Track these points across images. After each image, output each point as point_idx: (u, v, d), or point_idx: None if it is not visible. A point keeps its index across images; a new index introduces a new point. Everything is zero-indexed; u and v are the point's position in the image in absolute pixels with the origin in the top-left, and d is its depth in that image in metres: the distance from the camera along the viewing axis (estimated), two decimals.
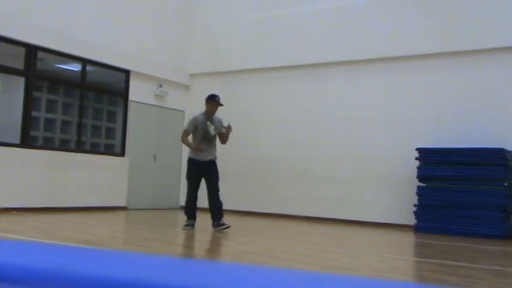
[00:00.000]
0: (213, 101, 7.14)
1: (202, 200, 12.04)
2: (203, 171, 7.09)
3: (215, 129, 7.12)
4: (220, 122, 7.24)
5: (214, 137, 7.16)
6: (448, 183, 8.68)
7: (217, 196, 7.08)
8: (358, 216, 9.82)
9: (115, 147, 11.51)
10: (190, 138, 7.17)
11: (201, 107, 12.01)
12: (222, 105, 7.14)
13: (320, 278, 0.87)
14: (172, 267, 0.96)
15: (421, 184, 8.96)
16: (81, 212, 9.11)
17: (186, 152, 12.17)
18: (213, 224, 7.04)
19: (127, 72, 10.83)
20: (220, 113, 11.72)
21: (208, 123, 7.07)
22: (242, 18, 11.56)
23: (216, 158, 7.20)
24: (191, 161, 7.15)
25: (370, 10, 10.13)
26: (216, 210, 7.05)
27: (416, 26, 9.61)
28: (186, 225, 7.04)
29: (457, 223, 8.43)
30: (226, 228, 6.91)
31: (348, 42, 10.27)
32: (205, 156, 7.06)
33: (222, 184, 11.47)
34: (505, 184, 8.35)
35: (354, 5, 10.32)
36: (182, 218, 10.20)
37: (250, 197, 10.98)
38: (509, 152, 8.49)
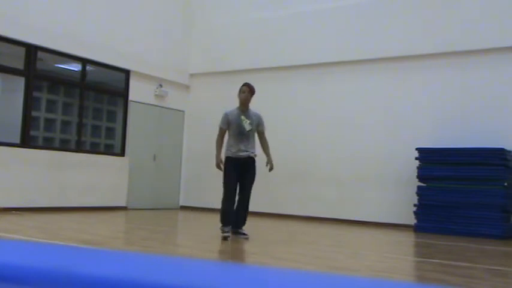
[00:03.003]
0: (245, 86, 6.38)
1: (197, 199, 11.98)
2: (241, 169, 6.33)
3: (251, 124, 6.34)
4: (259, 117, 6.48)
5: (250, 133, 6.37)
6: (448, 183, 8.68)
7: (248, 201, 6.41)
8: (358, 216, 9.82)
9: (115, 147, 11.51)
10: (225, 138, 6.47)
11: (201, 107, 12.10)
12: (252, 89, 6.36)
13: (321, 278, 0.87)
14: (172, 267, 0.95)
15: (421, 184, 8.96)
16: (81, 212, 9.11)
17: (186, 152, 12.24)
18: (237, 228, 6.40)
19: (127, 72, 10.84)
20: (219, 114, 11.74)
21: (243, 117, 6.33)
22: (242, 18, 11.57)
23: (255, 155, 6.41)
24: (228, 160, 6.36)
25: (370, 10, 10.13)
26: (241, 217, 6.38)
27: (417, 26, 9.62)
28: (224, 235, 6.20)
29: (457, 223, 8.43)
30: (245, 238, 6.23)
31: (348, 42, 10.27)
32: (242, 153, 6.31)
33: (221, 184, 11.52)
34: (505, 184, 8.35)
35: (354, 5, 10.32)
36: (182, 217, 10.24)
37: (250, 197, 10.95)
38: (509, 152, 8.49)
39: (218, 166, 6.42)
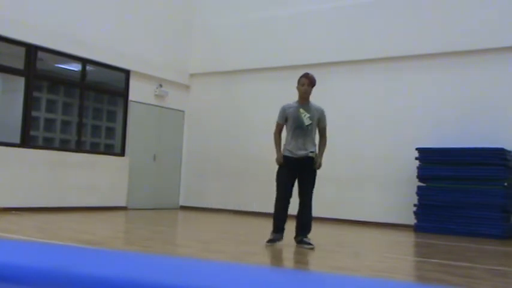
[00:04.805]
0: (304, 78, 5.81)
1: (197, 199, 11.93)
2: (296, 170, 5.77)
3: (311, 118, 5.71)
4: (320, 112, 5.83)
5: (310, 129, 5.74)
6: (448, 183, 8.68)
7: (309, 206, 5.83)
8: (358, 216, 9.82)
9: (115, 147, 11.51)
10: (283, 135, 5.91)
11: (201, 107, 12.10)
12: (312, 81, 5.81)
13: (320, 277, 0.87)
14: (173, 267, 0.95)
15: (421, 184, 8.96)
16: (81, 212, 9.11)
17: (186, 152, 12.23)
18: (295, 238, 5.83)
19: (127, 72, 10.83)
20: (219, 114, 11.78)
21: (302, 110, 5.75)
22: (242, 18, 11.57)
23: (315, 154, 5.79)
24: (283, 159, 5.81)
25: (370, 10, 10.14)
26: (302, 224, 5.80)
27: (416, 26, 9.62)
28: (270, 240, 5.75)
29: (457, 223, 8.43)
30: (310, 248, 5.62)
31: (348, 42, 10.27)
32: (299, 151, 5.72)
33: (222, 184, 11.57)
34: (505, 184, 8.35)
35: (354, 5, 10.32)
36: (182, 217, 10.24)
37: (250, 197, 10.98)
38: (509, 152, 8.49)
39: (279, 161, 5.82)
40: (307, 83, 5.80)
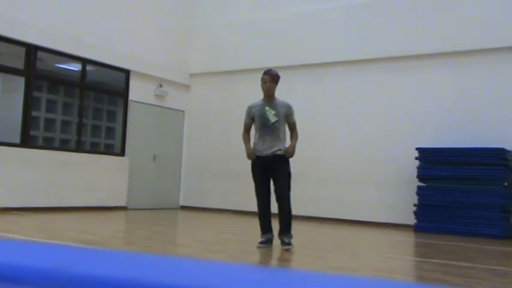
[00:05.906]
0: (265, 75, 5.72)
1: (197, 199, 11.96)
2: (267, 168, 5.70)
3: (276, 115, 5.64)
4: (287, 107, 5.71)
5: (276, 126, 5.65)
6: (448, 183, 8.68)
7: (284, 204, 5.67)
8: (358, 216, 9.82)
9: (115, 147, 11.52)
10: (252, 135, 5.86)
11: (201, 107, 12.10)
12: (274, 77, 5.71)
13: (320, 278, 0.87)
14: (172, 267, 0.95)
15: (421, 184, 8.96)
16: (81, 212, 9.11)
17: (186, 152, 12.24)
18: (279, 236, 5.73)
19: (127, 72, 10.84)
20: (219, 114, 11.78)
21: (267, 108, 5.67)
22: (242, 18, 11.57)
23: (283, 152, 5.68)
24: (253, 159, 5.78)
25: (370, 10, 10.14)
26: (280, 222, 5.68)
27: (417, 26, 9.62)
28: (260, 243, 5.60)
29: (457, 223, 8.43)
30: (287, 249, 5.54)
31: (348, 42, 10.27)
32: (266, 149, 5.64)
33: (222, 184, 11.57)
34: (505, 184, 8.35)
35: (354, 5, 10.32)
36: (182, 217, 10.24)
37: (251, 197, 10.94)
38: (509, 152, 8.49)
39: (252, 156, 5.76)
40: (269, 79, 5.71)
